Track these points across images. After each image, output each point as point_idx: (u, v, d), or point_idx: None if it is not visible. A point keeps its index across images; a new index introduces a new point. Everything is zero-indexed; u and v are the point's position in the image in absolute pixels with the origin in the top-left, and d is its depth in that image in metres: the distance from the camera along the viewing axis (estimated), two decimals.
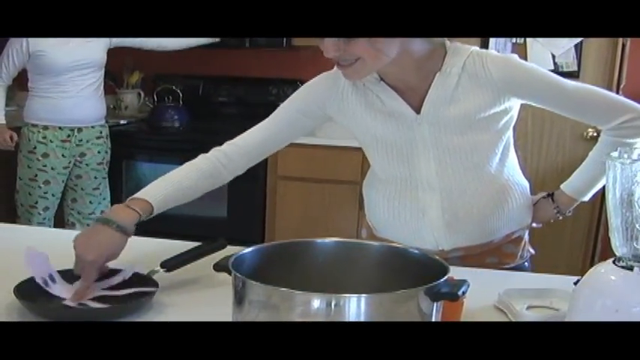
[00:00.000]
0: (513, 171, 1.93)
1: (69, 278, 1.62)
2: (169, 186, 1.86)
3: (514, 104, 1.82)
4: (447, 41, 1.78)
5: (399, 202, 1.89)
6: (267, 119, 1.96)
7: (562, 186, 2.04)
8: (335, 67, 1.80)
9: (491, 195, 1.87)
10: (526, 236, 2.02)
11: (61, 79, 3.95)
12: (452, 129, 1.79)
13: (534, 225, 2.05)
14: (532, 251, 2.05)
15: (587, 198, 2.01)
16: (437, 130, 1.80)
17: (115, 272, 1.64)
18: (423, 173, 1.84)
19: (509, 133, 1.88)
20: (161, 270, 1.66)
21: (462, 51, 1.78)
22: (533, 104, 1.82)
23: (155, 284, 1.60)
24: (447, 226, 1.86)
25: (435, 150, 1.81)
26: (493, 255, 1.95)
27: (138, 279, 1.63)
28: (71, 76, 3.96)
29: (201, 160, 1.94)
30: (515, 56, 1.80)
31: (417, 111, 1.80)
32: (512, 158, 1.93)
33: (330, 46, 1.66)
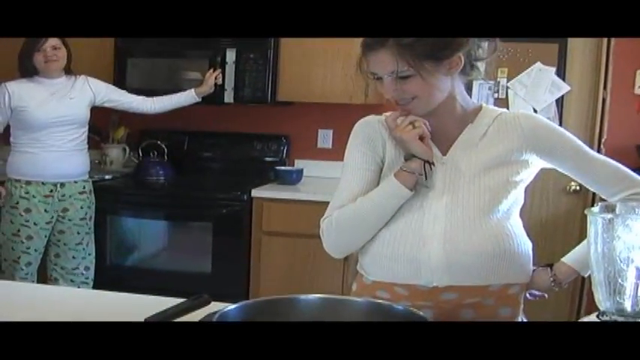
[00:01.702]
0: (517, 227, 1.95)
1: None
2: None
3: (533, 161, 1.91)
4: (484, 103, 1.94)
5: (401, 235, 1.90)
6: (345, 181, 1.99)
7: (564, 258, 2.07)
8: (366, 117, 1.98)
9: (493, 237, 1.88)
10: (521, 300, 2.00)
11: (42, 134, 3.95)
12: (471, 171, 1.89)
13: (528, 296, 2.04)
14: (525, 319, 2.03)
15: (587, 272, 1.96)
16: (457, 170, 1.89)
17: None
18: (432, 207, 1.89)
19: (520, 191, 1.94)
20: None
21: (495, 110, 1.95)
22: (551, 165, 1.93)
23: None
24: (447, 256, 1.85)
25: (450, 187, 1.89)
26: (487, 317, 1.91)
27: None
28: (52, 131, 3.96)
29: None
30: (544, 118, 1.94)
31: (443, 154, 1.91)
32: (518, 218, 1.96)
33: (388, 85, 1.79)
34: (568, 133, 1.93)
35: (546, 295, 2.06)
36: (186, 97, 4.42)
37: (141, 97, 4.38)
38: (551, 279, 2.04)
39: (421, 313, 1.37)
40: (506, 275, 1.91)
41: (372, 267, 1.98)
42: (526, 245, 1.97)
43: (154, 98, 4.38)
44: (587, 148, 1.92)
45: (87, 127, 4.16)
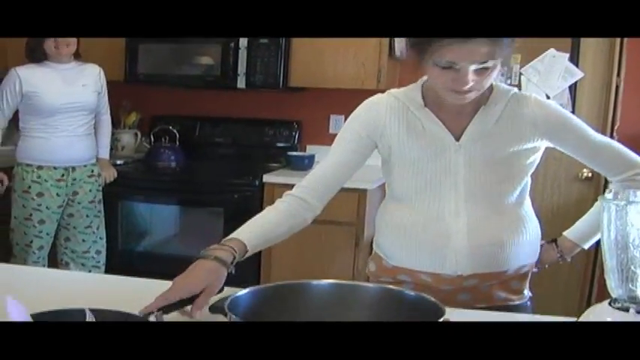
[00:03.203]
0: (528, 209, 2.00)
1: None
2: (259, 227, 1.88)
3: (542, 146, 1.94)
4: (494, 81, 1.89)
5: (423, 227, 1.92)
6: (326, 157, 2.00)
7: (565, 233, 2.14)
8: (374, 97, 1.98)
9: (510, 224, 1.93)
10: (529, 275, 2.06)
11: (52, 119, 3.96)
12: (485, 160, 1.89)
13: (534, 270, 2.09)
14: (530, 293, 2.06)
15: (588, 245, 2.12)
16: (472, 159, 1.89)
17: None
18: (452, 199, 1.90)
19: (529, 175, 1.97)
20: (157, 312, 1.65)
21: (507, 90, 1.93)
22: (559, 148, 1.95)
23: None
24: (471, 251, 1.89)
25: (466, 177, 1.90)
26: (501, 289, 1.98)
27: (133, 320, 1.61)
28: (63, 116, 3.97)
29: (281, 204, 1.95)
30: (555, 103, 1.95)
31: (457, 139, 1.90)
32: (528, 200, 2.01)
33: (469, 75, 1.73)
34: (575, 117, 1.96)
35: (547, 265, 2.14)
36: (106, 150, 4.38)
37: (107, 119, 4.34)
38: (558, 255, 2.13)
39: (432, 299, 1.36)
40: (522, 258, 1.98)
41: (394, 253, 2.00)
42: (537, 226, 2.02)
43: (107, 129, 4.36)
44: (591, 131, 1.95)
45: (94, 114, 4.18)
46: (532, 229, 1.99)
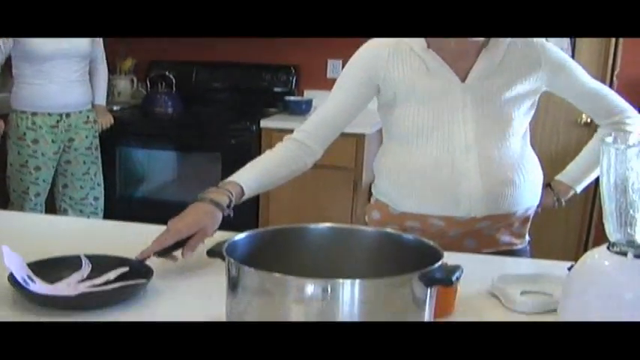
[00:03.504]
0: (530, 150, 2.02)
1: (47, 271, 1.58)
2: (257, 171, 1.90)
3: (541, 88, 1.96)
4: None
5: (433, 169, 1.91)
6: (327, 101, 2.00)
7: (558, 176, 2.16)
8: (375, 39, 1.95)
9: (519, 163, 1.95)
10: (530, 219, 2.08)
11: (46, 65, 3.93)
12: (491, 99, 1.89)
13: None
14: (529, 238, 2.07)
15: (581, 187, 2.14)
16: (479, 98, 1.89)
17: (98, 275, 1.60)
18: (461, 138, 1.90)
19: (529, 118, 1.99)
20: (154, 255, 1.65)
21: None
22: (553, 90, 1.98)
23: (150, 271, 1.58)
24: (485, 191, 1.90)
25: (474, 116, 1.90)
26: (506, 234, 2.00)
27: (132, 266, 1.61)
28: (57, 63, 3.94)
29: (281, 148, 1.96)
30: (554, 46, 1.96)
31: (462, 80, 1.89)
32: (529, 143, 2.03)
33: None
34: (572, 60, 1.98)
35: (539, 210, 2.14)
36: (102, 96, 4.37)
37: (104, 68, 4.34)
38: (555, 198, 2.14)
39: (431, 242, 1.36)
40: (529, 199, 1.99)
41: (401, 198, 1.99)
42: (539, 167, 2.04)
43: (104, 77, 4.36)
44: (587, 75, 1.99)
45: (89, 60, 4.15)
46: (537, 169, 2.01)
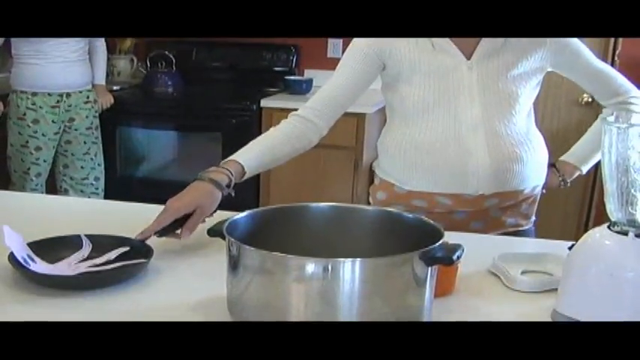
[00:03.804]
0: (535, 129, 2.03)
1: (48, 251, 1.57)
2: (259, 149, 1.88)
3: (546, 67, 1.95)
4: None
5: (441, 145, 1.91)
6: (332, 79, 1.99)
7: (564, 156, 2.16)
8: None
9: (525, 140, 1.95)
10: (538, 199, 2.08)
11: (45, 45, 3.92)
12: (497, 76, 1.89)
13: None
14: (535, 218, 2.07)
15: (587, 167, 2.14)
16: (485, 76, 1.89)
17: (99, 254, 1.59)
18: (467, 115, 1.89)
19: (534, 97, 2.00)
20: (154, 235, 1.65)
21: None
22: (557, 70, 1.98)
23: (150, 251, 1.58)
24: (493, 168, 1.90)
25: (481, 93, 1.89)
26: (512, 215, 2.00)
27: (132, 245, 1.61)
28: (56, 42, 3.93)
29: (286, 125, 1.95)
30: None
31: (468, 58, 1.89)
32: (534, 122, 2.03)
33: None
34: (578, 41, 1.97)
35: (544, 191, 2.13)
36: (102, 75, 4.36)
37: (102, 45, 4.31)
38: (560, 178, 2.14)
39: (431, 221, 1.36)
40: (536, 177, 2.00)
41: (408, 177, 1.98)
42: (545, 146, 2.04)
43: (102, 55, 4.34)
44: (591, 55, 1.99)
45: (88, 39, 4.13)
46: (542, 148, 2.02)
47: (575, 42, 1.95)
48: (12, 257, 1.49)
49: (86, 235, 1.64)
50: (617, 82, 2.00)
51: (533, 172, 1.98)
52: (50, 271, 1.50)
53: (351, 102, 1.98)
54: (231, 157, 1.83)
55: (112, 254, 1.58)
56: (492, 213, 1.97)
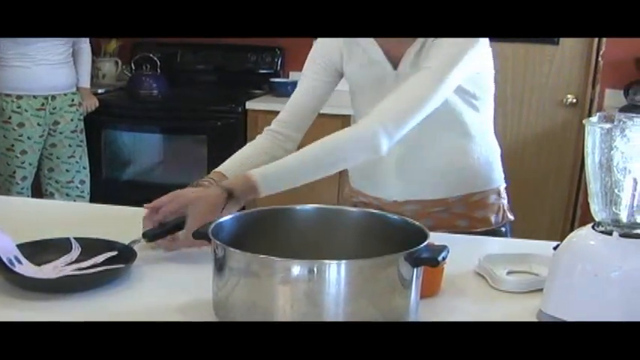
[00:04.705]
0: (481, 135, 1.95)
1: (36, 253, 1.57)
2: (239, 160, 1.92)
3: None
4: None
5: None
6: (298, 87, 2.04)
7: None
8: None
9: (448, 151, 1.91)
10: (500, 202, 2.03)
11: (30, 48, 3.91)
12: None
13: None
14: (511, 218, 2.06)
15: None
16: None
17: (86, 258, 1.58)
18: None
19: (470, 103, 1.89)
20: (142, 240, 1.65)
21: None
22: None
23: (133, 255, 1.57)
24: (398, 173, 1.92)
25: None
26: (463, 219, 1.98)
27: (120, 250, 1.61)
28: (40, 46, 3.93)
29: (260, 139, 2.01)
30: None
31: (395, 67, 1.87)
32: (481, 123, 1.95)
33: None
34: (462, 44, 1.78)
35: None
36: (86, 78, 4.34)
37: (87, 47, 4.30)
38: None
39: (416, 223, 1.37)
40: (464, 188, 1.96)
41: (353, 174, 2.08)
42: (486, 155, 1.98)
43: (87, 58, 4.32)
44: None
45: (72, 41, 4.12)
46: (479, 158, 1.95)
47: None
48: None
49: (76, 239, 1.63)
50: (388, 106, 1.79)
51: (458, 183, 1.94)
52: (33, 274, 1.50)
53: (319, 107, 2.02)
54: (216, 170, 1.87)
55: (100, 258, 1.57)
56: (442, 216, 1.95)
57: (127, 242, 1.62)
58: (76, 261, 1.58)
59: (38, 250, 1.58)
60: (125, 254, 1.58)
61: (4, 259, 1.48)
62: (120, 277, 1.52)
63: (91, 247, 1.61)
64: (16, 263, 1.50)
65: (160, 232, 1.67)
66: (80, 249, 1.61)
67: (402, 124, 1.72)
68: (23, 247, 1.56)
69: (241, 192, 1.69)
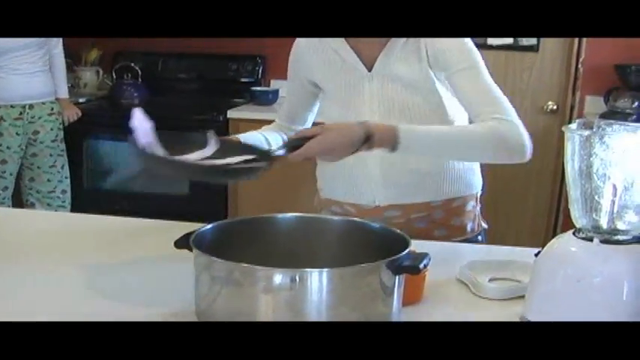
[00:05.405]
0: None
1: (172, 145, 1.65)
2: (255, 136, 1.99)
3: (429, 75, 1.84)
4: None
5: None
6: (286, 95, 2.16)
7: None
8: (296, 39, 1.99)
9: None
10: (476, 210, 2.04)
11: (4, 58, 3.89)
12: (397, 86, 1.86)
13: None
14: (485, 226, 2.07)
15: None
16: (384, 84, 1.87)
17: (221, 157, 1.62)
18: None
19: (443, 106, 1.88)
20: (280, 150, 1.69)
21: None
22: (447, 82, 1.86)
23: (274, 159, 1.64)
24: (383, 175, 1.91)
25: (380, 102, 1.87)
26: (440, 228, 1.97)
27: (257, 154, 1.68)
28: (15, 55, 3.91)
29: (270, 125, 2.12)
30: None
31: (370, 69, 1.88)
32: (465, 122, 1.93)
33: None
34: (469, 53, 1.83)
35: None
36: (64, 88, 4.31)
37: (59, 53, 4.26)
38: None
39: (397, 230, 1.37)
40: (447, 192, 1.96)
41: (322, 184, 2.07)
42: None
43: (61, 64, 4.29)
44: (477, 71, 1.83)
45: (47, 48, 4.11)
46: (459, 163, 1.95)
47: (452, 52, 1.82)
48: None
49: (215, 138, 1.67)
50: (490, 101, 1.83)
51: (440, 187, 1.94)
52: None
53: (312, 110, 2.10)
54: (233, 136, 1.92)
55: (235, 159, 1.59)
56: (415, 224, 1.94)
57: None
58: (210, 158, 1.60)
59: (175, 141, 1.67)
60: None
61: (144, 143, 1.49)
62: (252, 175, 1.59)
63: (228, 148, 1.67)
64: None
65: (282, 147, 1.70)
66: (216, 146, 1.66)
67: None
68: (162, 134, 1.66)
69: (379, 138, 1.64)
